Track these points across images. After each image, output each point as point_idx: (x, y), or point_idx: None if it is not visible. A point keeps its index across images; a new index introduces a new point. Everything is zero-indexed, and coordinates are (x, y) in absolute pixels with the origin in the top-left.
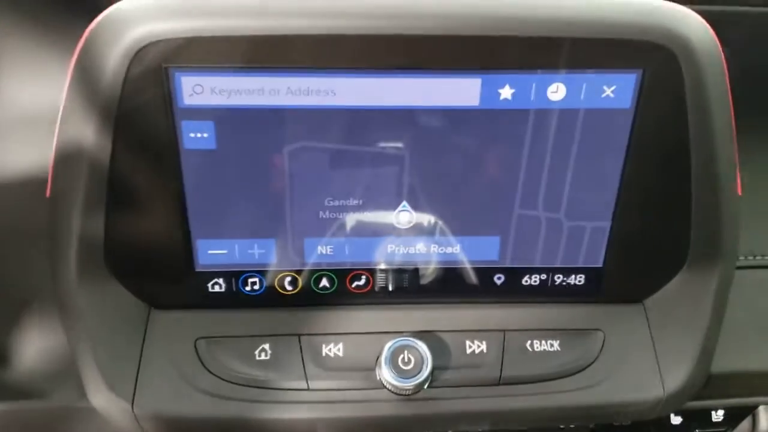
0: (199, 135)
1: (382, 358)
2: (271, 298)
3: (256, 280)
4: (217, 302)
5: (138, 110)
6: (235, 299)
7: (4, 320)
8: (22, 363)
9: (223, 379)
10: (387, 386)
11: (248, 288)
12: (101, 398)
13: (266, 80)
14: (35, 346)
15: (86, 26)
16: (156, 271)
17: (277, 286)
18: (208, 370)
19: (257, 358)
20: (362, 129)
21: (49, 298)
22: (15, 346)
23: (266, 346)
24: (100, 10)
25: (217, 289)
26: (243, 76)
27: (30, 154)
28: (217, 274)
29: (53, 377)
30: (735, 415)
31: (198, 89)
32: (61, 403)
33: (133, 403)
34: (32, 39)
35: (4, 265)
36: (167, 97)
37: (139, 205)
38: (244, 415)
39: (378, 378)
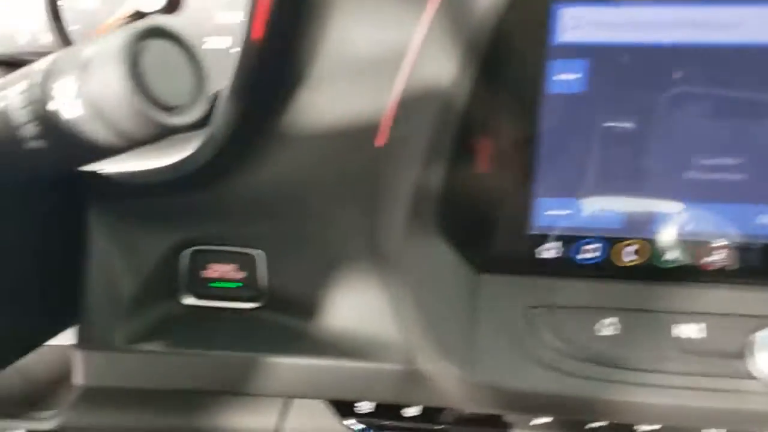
0: (567, 77)
1: (755, 346)
2: (608, 269)
3: (595, 246)
4: (546, 269)
5: (507, 48)
6: (567, 267)
7: (320, 277)
8: (339, 321)
9: (562, 353)
10: (761, 378)
11: (583, 255)
12: (433, 363)
13: (657, 12)
14: (352, 304)
15: None
16: (486, 231)
17: (616, 256)
18: (544, 342)
19: (600, 333)
20: (764, 72)
21: (364, 255)
22: (332, 303)
23: (612, 320)
24: None
25: (548, 254)
26: (632, 6)
27: (350, 103)
28: (552, 238)
29: (370, 337)
30: None
31: (576, 23)
32: (380, 365)
33: (467, 372)
34: None
35: (318, 220)
36: (542, 32)
37: (484, 156)
38: (589, 394)
39: (747, 367)
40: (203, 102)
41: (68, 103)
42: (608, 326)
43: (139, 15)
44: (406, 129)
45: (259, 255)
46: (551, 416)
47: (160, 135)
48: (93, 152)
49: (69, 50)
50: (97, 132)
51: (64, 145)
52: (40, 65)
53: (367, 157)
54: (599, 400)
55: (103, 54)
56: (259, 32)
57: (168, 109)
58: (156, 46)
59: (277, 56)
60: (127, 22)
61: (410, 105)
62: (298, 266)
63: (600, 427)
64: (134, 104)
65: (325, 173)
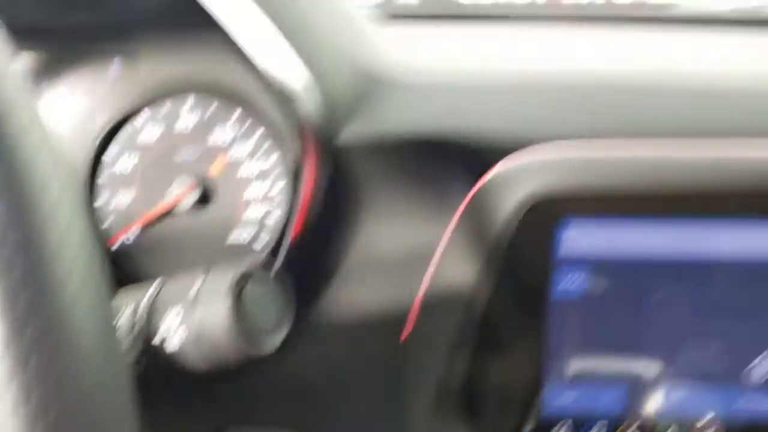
0: (570, 285)
1: None
2: None
3: (603, 428)
4: None
5: (520, 258)
6: None
7: None
8: None
9: None
10: None
11: None
12: None
13: (650, 230)
14: None
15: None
16: (502, 415)
17: None
18: None
19: None
20: (736, 282)
21: None
22: None
23: None
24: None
25: None
26: (627, 226)
27: (376, 298)
28: (561, 422)
29: None
30: None
31: (578, 239)
32: None
33: None
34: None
35: (345, 407)
36: (549, 246)
37: (501, 349)
38: None
39: None
40: (284, 330)
41: (173, 330)
42: None
43: (174, 210)
44: (431, 325)
45: None
46: None
47: (245, 364)
48: (178, 373)
49: (174, 282)
50: (191, 357)
51: (158, 363)
52: (146, 291)
53: (391, 349)
54: None
55: (210, 291)
56: (297, 230)
57: (258, 337)
58: (252, 284)
59: (311, 253)
60: (162, 217)
61: (434, 303)
62: None
63: None
64: (235, 334)
65: (352, 363)
